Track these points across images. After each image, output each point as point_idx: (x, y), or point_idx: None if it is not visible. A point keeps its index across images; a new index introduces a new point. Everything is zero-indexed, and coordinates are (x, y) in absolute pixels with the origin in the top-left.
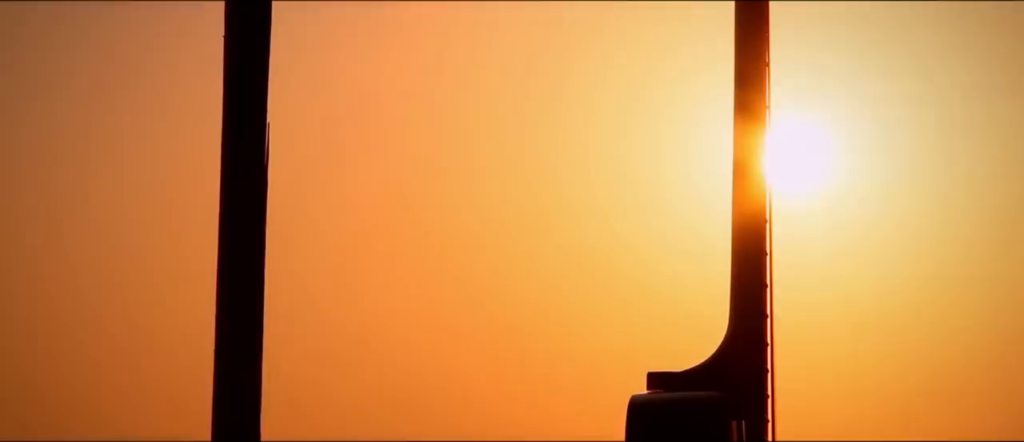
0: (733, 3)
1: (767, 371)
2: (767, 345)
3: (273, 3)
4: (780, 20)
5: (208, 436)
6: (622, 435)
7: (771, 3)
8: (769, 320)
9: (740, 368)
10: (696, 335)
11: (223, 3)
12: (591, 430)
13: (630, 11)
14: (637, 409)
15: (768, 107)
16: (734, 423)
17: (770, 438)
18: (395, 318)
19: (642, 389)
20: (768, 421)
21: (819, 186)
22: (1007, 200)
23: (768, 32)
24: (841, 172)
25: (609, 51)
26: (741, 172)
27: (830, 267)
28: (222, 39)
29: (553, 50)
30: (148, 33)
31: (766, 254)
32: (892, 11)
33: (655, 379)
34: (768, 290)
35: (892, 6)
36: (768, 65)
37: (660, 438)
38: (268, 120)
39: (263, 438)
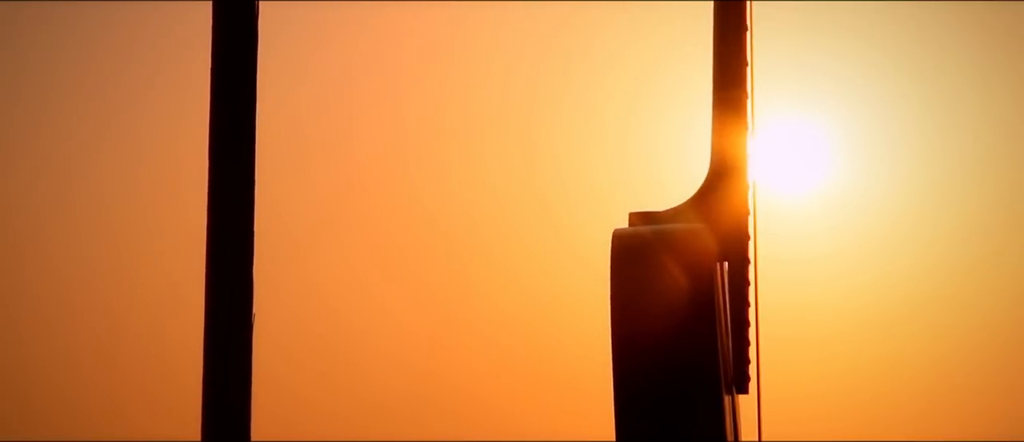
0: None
1: (749, 213)
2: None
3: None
4: (778, 20)
5: (197, 436)
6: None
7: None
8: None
9: (722, 206)
10: None
11: (210, 1)
12: (595, 429)
13: (636, 10)
14: (622, 241)
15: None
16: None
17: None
18: (392, 315)
19: None
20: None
21: (816, 185)
22: (1006, 199)
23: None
24: (838, 171)
25: (614, 50)
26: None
27: (828, 266)
28: (209, 38)
29: (557, 50)
30: (134, 32)
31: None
32: (891, 11)
33: (637, 218)
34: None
35: (891, 6)
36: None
37: (646, 270)
38: (259, 118)
39: (253, 438)
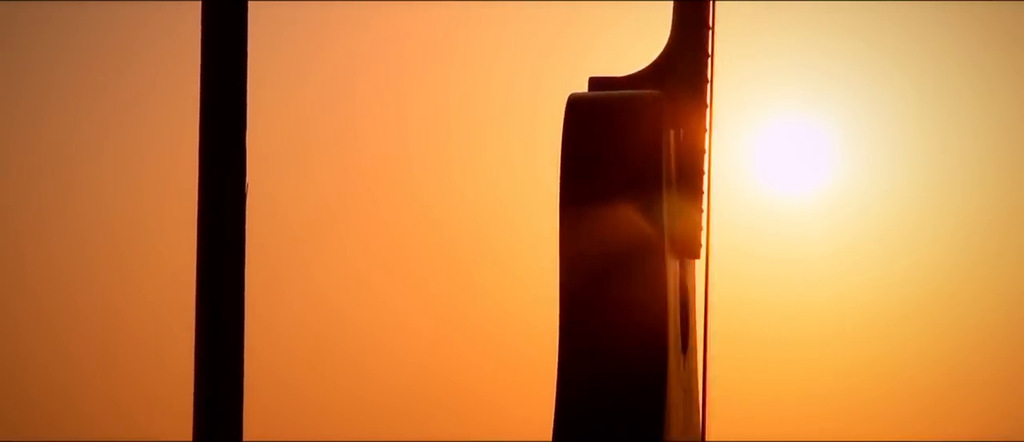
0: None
1: (707, 81)
2: (709, 55)
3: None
4: (777, 20)
5: (189, 436)
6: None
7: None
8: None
9: (682, 74)
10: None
11: (200, 2)
12: None
13: (640, 10)
14: (575, 104)
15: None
16: (671, 131)
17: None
18: (394, 315)
19: None
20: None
21: (816, 186)
22: (1006, 199)
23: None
24: (838, 171)
25: (617, 50)
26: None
27: (828, 266)
28: (199, 38)
29: (561, 49)
30: (135, 32)
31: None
32: (890, 11)
33: (597, 83)
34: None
35: (890, 6)
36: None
37: (596, 130)
38: (253, 117)
39: (252, 438)
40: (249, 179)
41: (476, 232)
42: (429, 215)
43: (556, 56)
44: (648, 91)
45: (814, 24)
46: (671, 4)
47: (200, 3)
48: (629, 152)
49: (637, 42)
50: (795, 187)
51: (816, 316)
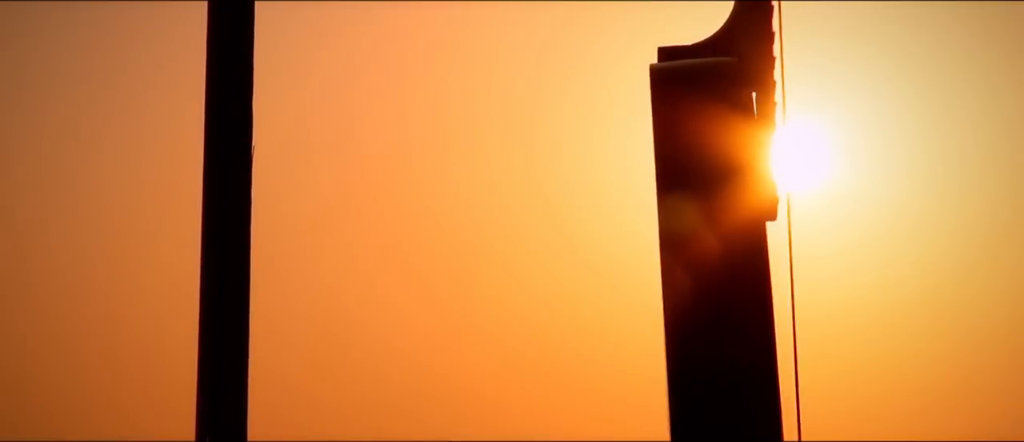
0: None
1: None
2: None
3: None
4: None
5: (193, 436)
6: (632, 433)
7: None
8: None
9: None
10: None
11: (206, 2)
12: (597, 428)
13: (639, 11)
14: (661, 75)
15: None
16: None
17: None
18: (394, 313)
19: (654, 389)
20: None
21: (817, 186)
22: (1006, 199)
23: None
24: (839, 171)
25: (616, 50)
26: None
27: (828, 266)
28: (205, 38)
29: (560, 50)
30: (134, 32)
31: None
32: (890, 11)
33: (665, 53)
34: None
35: (890, 6)
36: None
37: (682, 100)
38: (257, 118)
39: (259, 438)
40: (255, 143)
41: (476, 232)
42: (431, 215)
43: (556, 57)
44: (725, 59)
45: (814, 24)
46: (672, 5)
47: (201, 4)
48: (725, 118)
49: (637, 41)
50: (794, 188)
51: (816, 317)
